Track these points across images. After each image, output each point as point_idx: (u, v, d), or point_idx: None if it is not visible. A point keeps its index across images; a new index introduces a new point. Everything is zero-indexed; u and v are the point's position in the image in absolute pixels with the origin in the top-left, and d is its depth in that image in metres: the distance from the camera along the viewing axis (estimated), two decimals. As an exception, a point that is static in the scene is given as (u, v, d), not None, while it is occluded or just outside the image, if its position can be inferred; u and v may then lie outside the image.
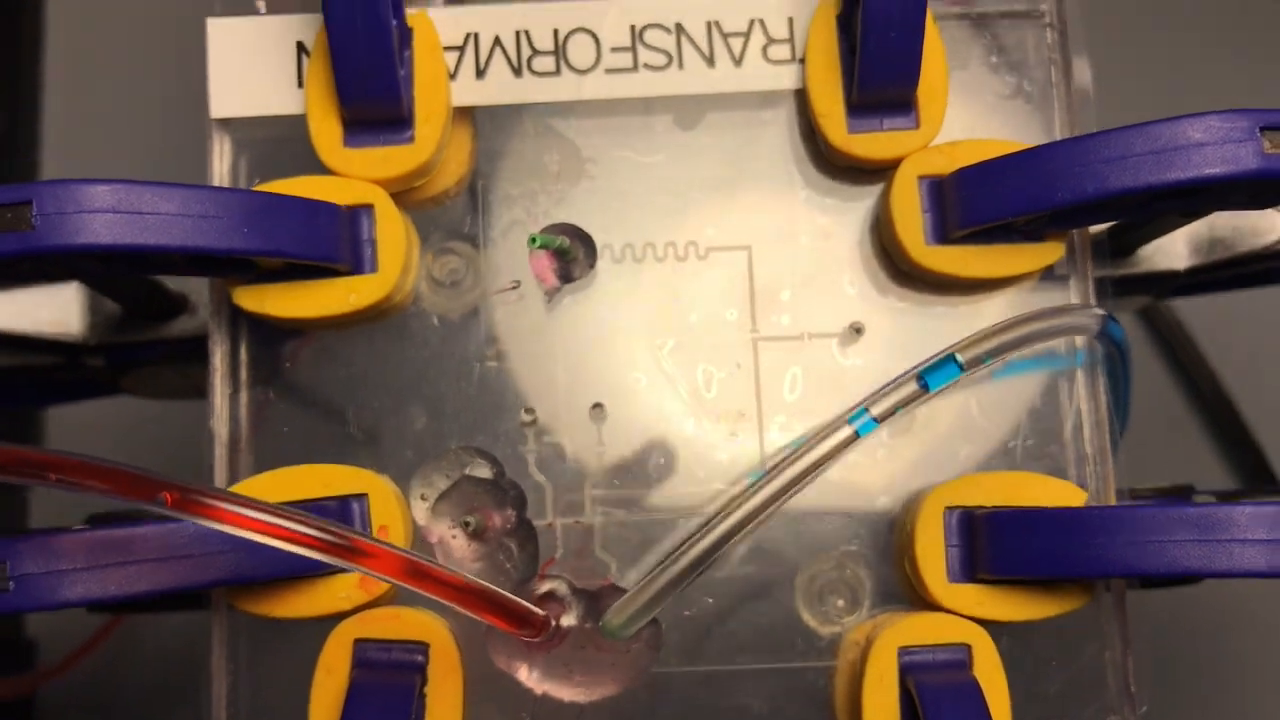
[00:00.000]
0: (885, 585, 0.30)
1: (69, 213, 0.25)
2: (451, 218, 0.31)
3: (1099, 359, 0.31)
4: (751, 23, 0.31)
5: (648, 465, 0.30)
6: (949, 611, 0.28)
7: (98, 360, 0.36)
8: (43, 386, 0.43)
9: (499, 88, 0.31)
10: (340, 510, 0.29)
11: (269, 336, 0.31)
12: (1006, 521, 0.28)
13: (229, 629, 0.30)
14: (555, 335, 0.31)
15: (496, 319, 0.31)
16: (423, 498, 0.30)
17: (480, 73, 0.31)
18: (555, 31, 0.31)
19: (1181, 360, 0.54)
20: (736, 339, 0.31)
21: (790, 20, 0.31)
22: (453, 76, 0.31)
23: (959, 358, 0.28)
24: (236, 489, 0.29)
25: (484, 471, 0.30)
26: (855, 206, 0.31)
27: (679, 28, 0.31)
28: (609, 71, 0.31)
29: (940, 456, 0.31)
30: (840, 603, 0.30)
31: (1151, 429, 0.53)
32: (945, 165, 0.30)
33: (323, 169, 0.30)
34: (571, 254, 0.31)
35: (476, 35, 0.31)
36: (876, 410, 0.28)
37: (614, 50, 0.31)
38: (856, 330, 0.31)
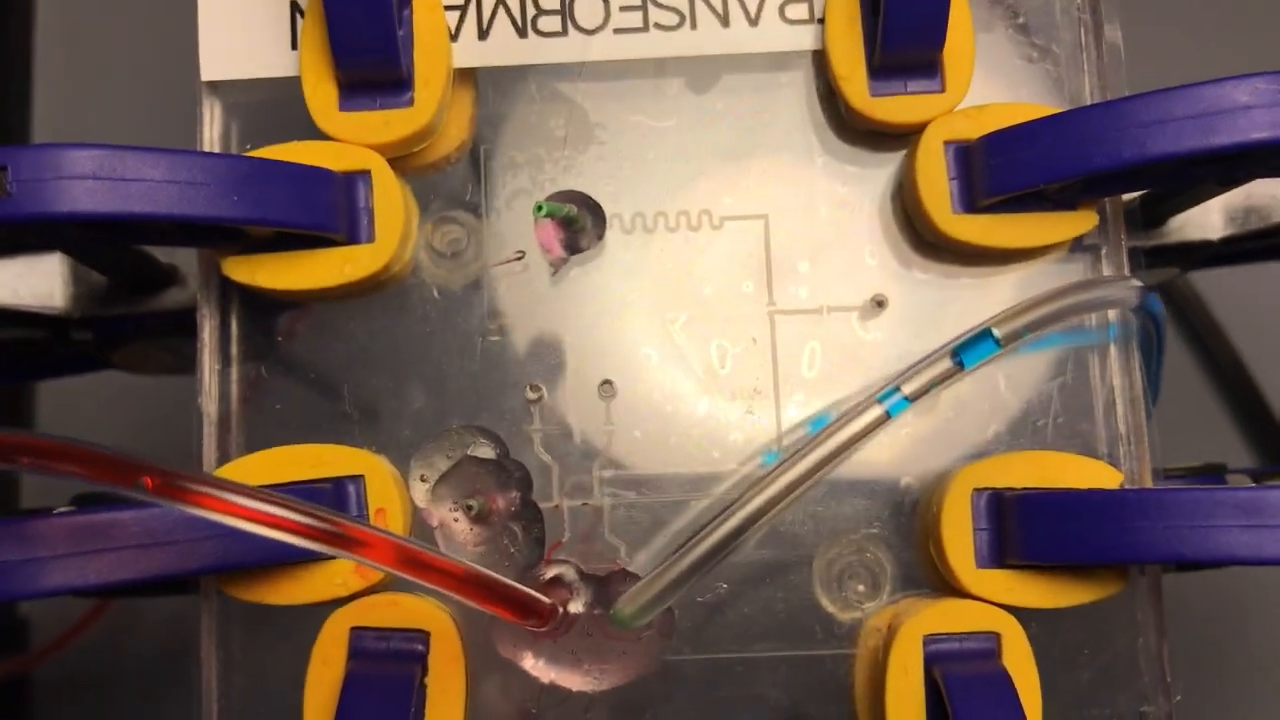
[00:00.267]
0: (907, 569, 0.29)
1: (47, 179, 0.24)
2: (452, 185, 0.31)
3: (1133, 333, 0.30)
4: (768, -20, 0.31)
5: (659, 445, 0.30)
6: (976, 598, 0.28)
7: (86, 334, 0.36)
8: (30, 362, 0.42)
9: (502, 49, 0.31)
10: (335, 493, 0.28)
11: (261, 310, 0.30)
12: (1040, 504, 0.27)
13: (219, 616, 0.29)
14: (562, 309, 0.30)
15: (500, 292, 0.30)
16: (423, 479, 0.30)
17: (483, 33, 0.31)
18: (561, -11, 0.31)
19: (1201, 334, 0.54)
20: (752, 313, 0.30)
21: (809, -23, 0.30)
22: (454, 37, 0.30)
23: (996, 333, 0.27)
24: (226, 469, 0.28)
25: (487, 451, 0.30)
26: (876, 174, 0.31)
27: (692, -15, 0.31)
28: (618, 31, 0.31)
29: (966, 435, 0.30)
30: (860, 587, 0.29)
31: (1175, 406, 0.53)
32: (973, 130, 0.29)
33: (317, 134, 0.29)
34: (579, 223, 0.30)
35: (479, -7, 0.31)
36: (909, 389, 0.27)
37: (623, 9, 0.31)
38: (878, 303, 0.30)
